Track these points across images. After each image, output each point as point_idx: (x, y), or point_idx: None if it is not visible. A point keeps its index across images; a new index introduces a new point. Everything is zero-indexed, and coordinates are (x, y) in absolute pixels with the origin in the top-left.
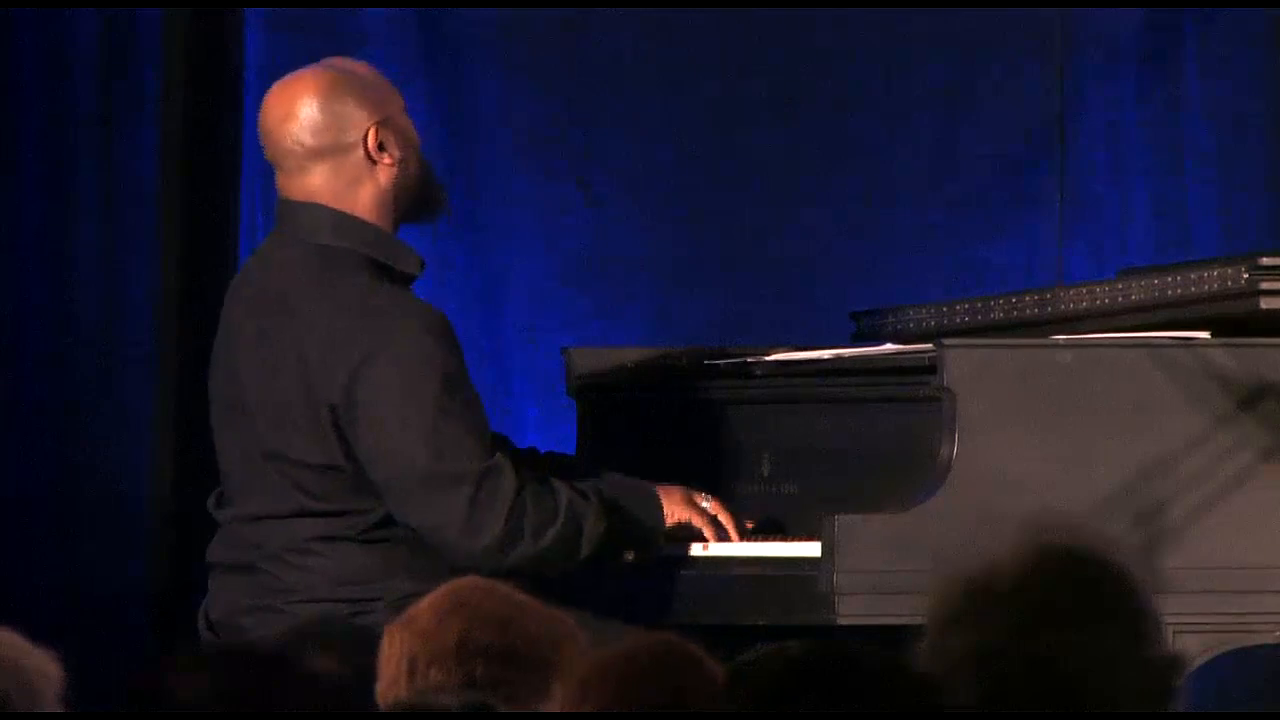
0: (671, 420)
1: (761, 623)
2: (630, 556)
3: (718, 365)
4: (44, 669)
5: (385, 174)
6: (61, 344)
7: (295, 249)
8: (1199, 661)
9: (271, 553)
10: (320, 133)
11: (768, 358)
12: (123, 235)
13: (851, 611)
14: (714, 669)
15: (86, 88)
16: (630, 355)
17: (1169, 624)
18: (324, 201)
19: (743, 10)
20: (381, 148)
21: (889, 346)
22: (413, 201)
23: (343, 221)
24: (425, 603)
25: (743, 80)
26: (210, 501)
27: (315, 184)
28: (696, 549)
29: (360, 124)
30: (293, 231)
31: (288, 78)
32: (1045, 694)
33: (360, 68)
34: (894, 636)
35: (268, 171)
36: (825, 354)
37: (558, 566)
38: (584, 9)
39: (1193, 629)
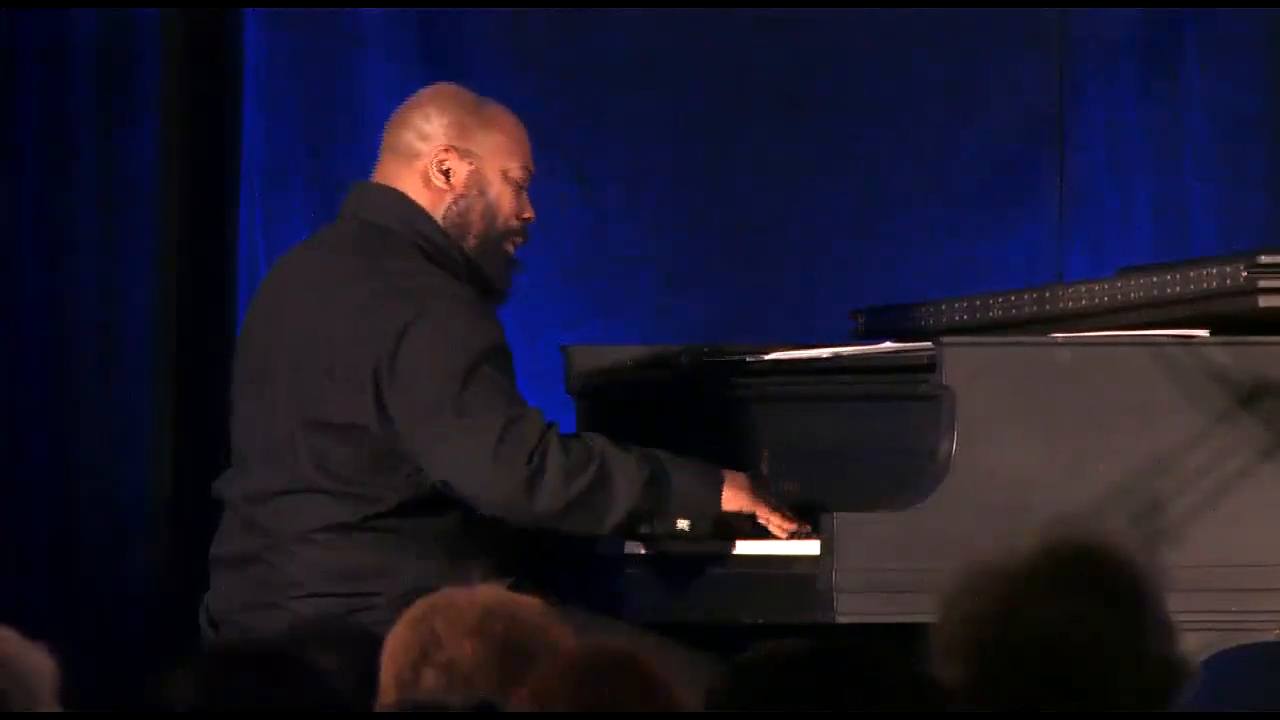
0: (670, 418)
1: (761, 621)
2: (684, 525)
3: (716, 363)
4: (39, 666)
5: (437, 197)
6: (61, 343)
7: (351, 224)
8: (1199, 659)
9: (275, 541)
10: (405, 129)
11: (766, 356)
12: (122, 235)
13: (850, 609)
14: (663, 682)
15: (86, 87)
16: (629, 353)
17: None
18: (399, 189)
19: (742, 10)
20: (446, 174)
21: (888, 345)
22: (466, 248)
23: (409, 209)
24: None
25: (742, 79)
26: (217, 482)
27: (392, 173)
28: (696, 546)
29: (438, 138)
30: (354, 210)
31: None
32: (1039, 674)
33: (495, 107)
34: (893, 635)
35: (268, 171)
36: (824, 352)
37: (593, 519)
38: (584, 9)
39: (1193, 627)
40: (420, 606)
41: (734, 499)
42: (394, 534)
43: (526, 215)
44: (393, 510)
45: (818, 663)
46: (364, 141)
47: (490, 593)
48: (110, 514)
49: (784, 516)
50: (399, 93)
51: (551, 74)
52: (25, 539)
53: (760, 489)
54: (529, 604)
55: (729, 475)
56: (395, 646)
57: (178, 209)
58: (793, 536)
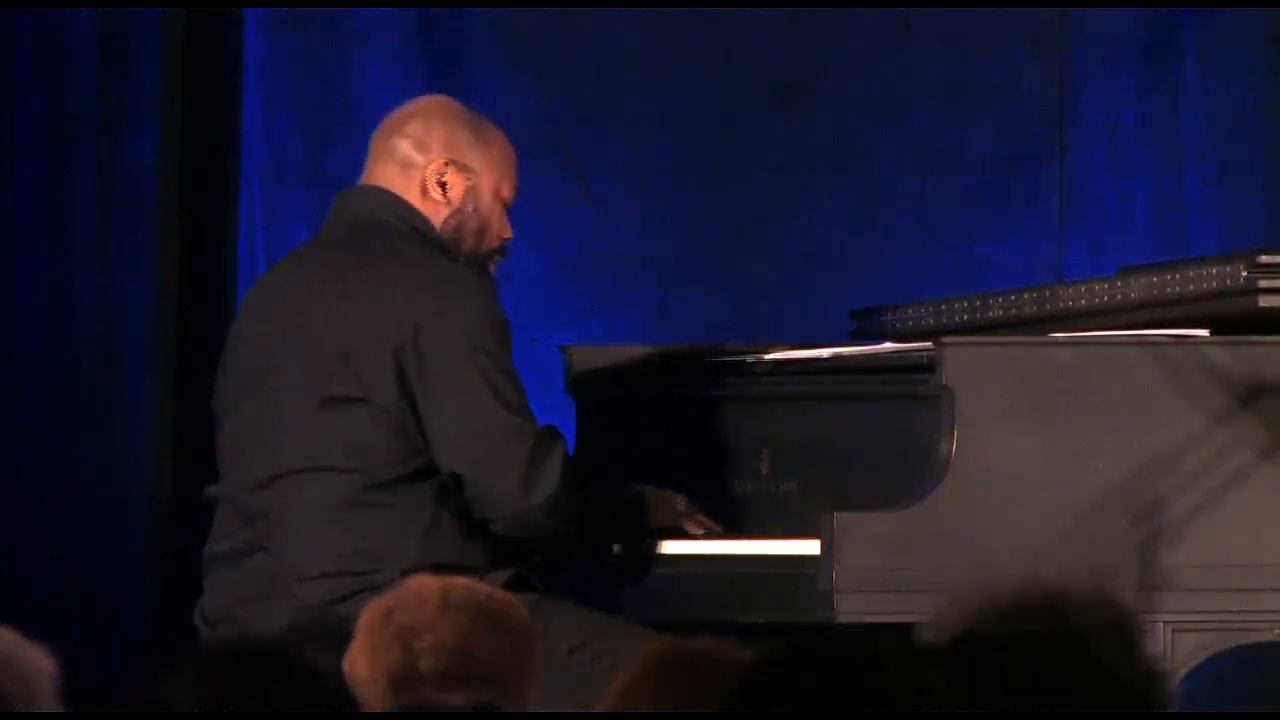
0: (670, 418)
1: (761, 621)
2: (617, 550)
3: (716, 363)
4: (39, 665)
5: (433, 209)
6: (61, 343)
7: (345, 225)
8: (1198, 659)
9: (275, 525)
10: (401, 137)
11: (767, 356)
12: (122, 235)
13: (851, 609)
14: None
15: (86, 87)
16: (629, 353)
17: (1168, 622)
18: (395, 193)
19: (742, 9)
20: (444, 187)
21: (888, 345)
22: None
23: (407, 209)
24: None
25: (742, 79)
26: (209, 488)
27: (386, 179)
28: (696, 545)
29: (436, 150)
30: (345, 214)
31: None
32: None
33: (490, 125)
34: (893, 634)
35: (267, 171)
36: (824, 352)
37: (575, 542)
38: (583, 8)
39: (1192, 627)
40: (372, 614)
41: (660, 517)
42: (396, 510)
43: (507, 235)
44: (397, 485)
45: (818, 657)
46: (364, 141)
47: (431, 579)
48: (110, 514)
49: (697, 522)
50: (399, 93)
51: (551, 74)
52: (25, 539)
53: (674, 504)
54: (474, 582)
55: (651, 498)
56: (372, 660)
57: (178, 209)
58: (707, 535)
